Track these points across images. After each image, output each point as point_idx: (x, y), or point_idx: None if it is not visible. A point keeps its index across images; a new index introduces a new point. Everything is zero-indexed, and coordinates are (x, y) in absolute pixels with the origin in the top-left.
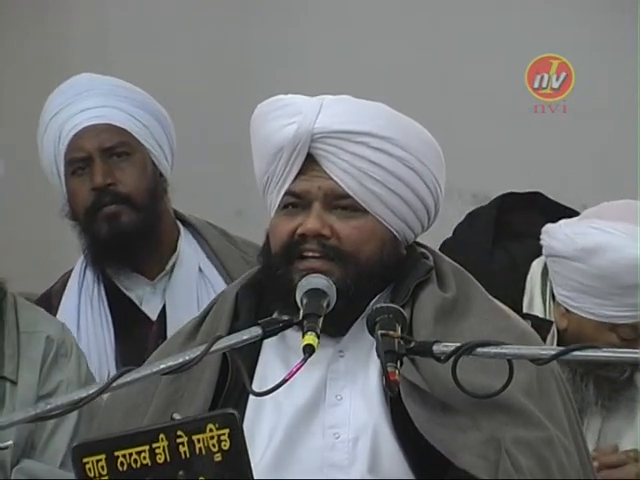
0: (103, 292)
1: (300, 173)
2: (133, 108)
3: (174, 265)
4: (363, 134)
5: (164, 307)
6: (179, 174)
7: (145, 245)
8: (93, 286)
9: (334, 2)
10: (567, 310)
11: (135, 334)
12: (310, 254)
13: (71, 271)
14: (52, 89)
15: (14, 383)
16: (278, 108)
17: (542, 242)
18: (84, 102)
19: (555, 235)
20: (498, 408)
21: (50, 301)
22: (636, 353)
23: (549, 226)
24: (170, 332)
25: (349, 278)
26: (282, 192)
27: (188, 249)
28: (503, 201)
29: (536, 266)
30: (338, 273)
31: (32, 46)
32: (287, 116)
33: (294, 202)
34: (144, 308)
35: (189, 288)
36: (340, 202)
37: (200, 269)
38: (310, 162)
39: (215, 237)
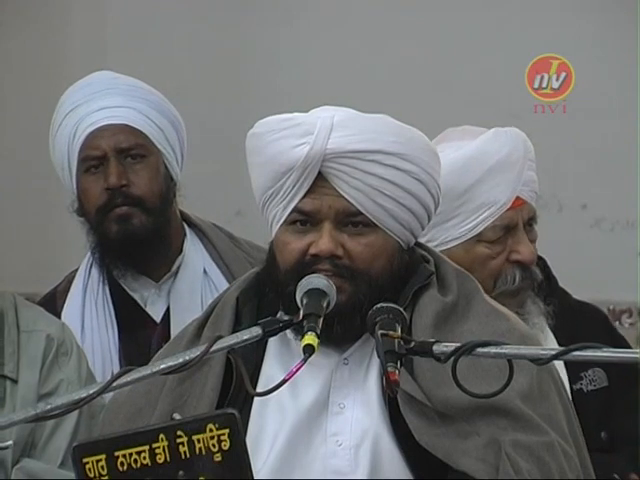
0: (108, 293)
1: (309, 191)
2: (150, 110)
3: (179, 267)
4: (375, 152)
5: (168, 309)
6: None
7: (153, 248)
8: (98, 287)
9: (334, 2)
10: None
11: (139, 336)
12: (322, 273)
13: (76, 271)
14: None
15: (14, 382)
16: (287, 127)
17: None
18: (102, 100)
19: None
20: (496, 413)
21: (55, 301)
22: (636, 353)
23: None
24: (174, 334)
25: (361, 294)
26: (289, 209)
27: (193, 251)
28: None
29: None
30: (350, 290)
31: (32, 47)
32: (297, 136)
33: (303, 219)
34: (149, 310)
35: (193, 290)
36: (351, 219)
37: (205, 271)
38: (319, 179)
39: (220, 239)
